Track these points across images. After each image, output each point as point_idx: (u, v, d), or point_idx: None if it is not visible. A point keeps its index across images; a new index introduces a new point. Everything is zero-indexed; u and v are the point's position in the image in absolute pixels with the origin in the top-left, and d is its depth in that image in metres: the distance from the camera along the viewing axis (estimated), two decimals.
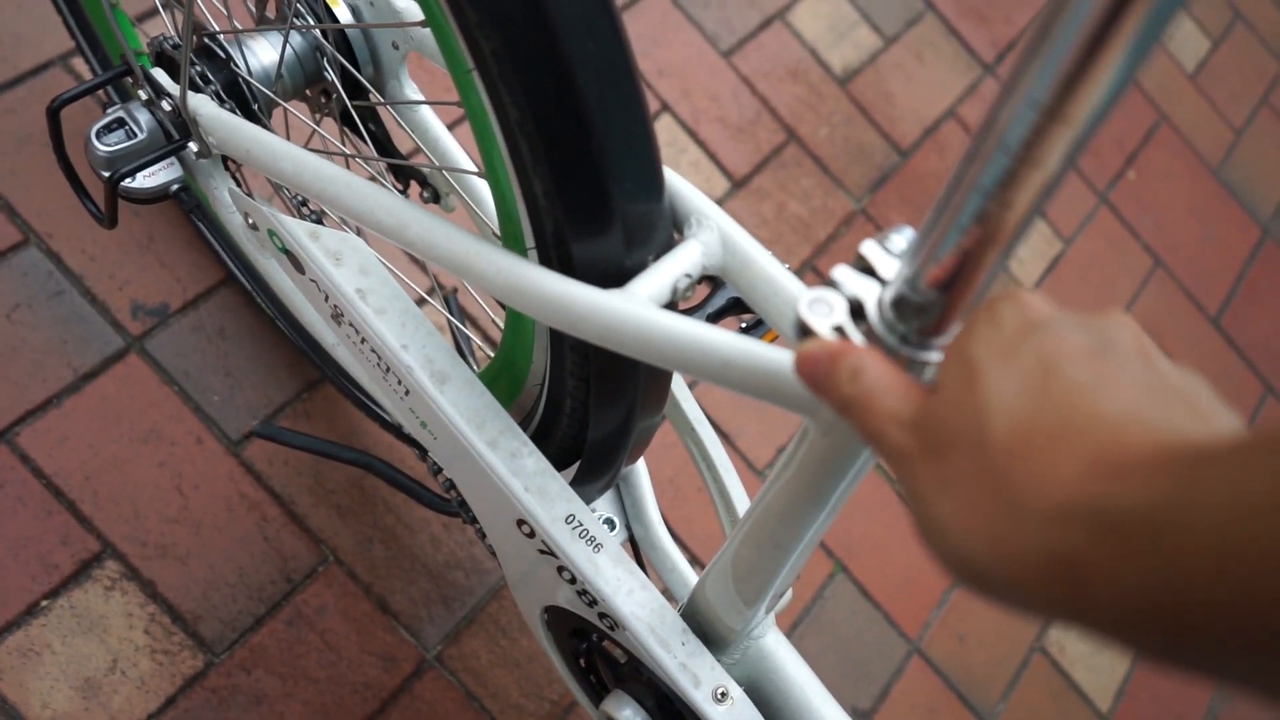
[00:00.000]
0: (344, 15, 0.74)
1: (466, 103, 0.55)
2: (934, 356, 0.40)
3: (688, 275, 0.52)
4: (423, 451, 0.89)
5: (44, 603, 0.94)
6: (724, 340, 0.47)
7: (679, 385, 0.77)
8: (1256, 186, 1.87)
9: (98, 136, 0.71)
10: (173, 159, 0.75)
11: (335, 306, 0.67)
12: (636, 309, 0.49)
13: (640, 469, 0.83)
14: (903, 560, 1.30)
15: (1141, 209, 1.73)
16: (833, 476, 0.49)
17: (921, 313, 0.39)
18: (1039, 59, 0.30)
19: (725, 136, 1.43)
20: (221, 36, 0.72)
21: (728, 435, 1.27)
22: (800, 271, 1.40)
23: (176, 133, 0.72)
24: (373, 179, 0.85)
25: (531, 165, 0.51)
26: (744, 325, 0.57)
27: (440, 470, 0.86)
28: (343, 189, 0.58)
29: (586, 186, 0.50)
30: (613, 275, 0.53)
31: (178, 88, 0.69)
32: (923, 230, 0.37)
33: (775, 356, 0.47)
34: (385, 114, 0.81)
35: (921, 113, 1.60)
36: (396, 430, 0.97)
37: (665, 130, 1.39)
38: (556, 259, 0.54)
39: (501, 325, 0.77)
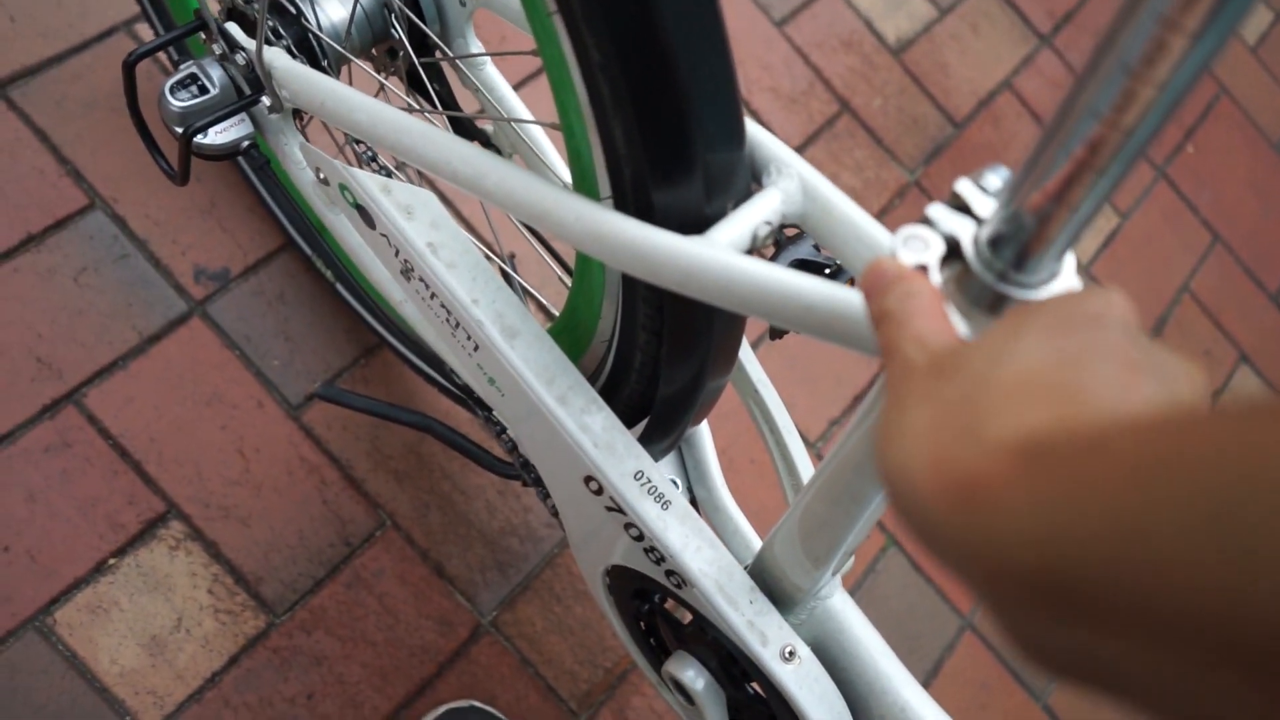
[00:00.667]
0: None
1: (544, 50, 0.55)
2: (1030, 295, 0.39)
3: (768, 223, 0.52)
4: (485, 414, 0.89)
5: (111, 561, 0.96)
6: (808, 285, 0.47)
7: (744, 348, 0.77)
8: None
9: (171, 92, 0.72)
10: (244, 115, 0.75)
11: (406, 261, 0.67)
12: (718, 254, 0.49)
13: (703, 431, 0.82)
14: None
15: (1200, 183, 1.69)
16: None
17: (1020, 249, 0.38)
18: (1106, 59, 0.30)
19: (778, 107, 1.42)
20: None
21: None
22: None
23: (249, 88, 0.72)
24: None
25: (613, 110, 0.50)
26: (827, 273, 0.56)
27: (503, 431, 0.86)
28: (419, 139, 0.58)
29: (669, 132, 0.49)
30: (692, 223, 0.52)
31: (252, 42, 0.70)
32: (1027, 160, 0.36)
33: (858, 302, 0.46)
34: (450, 73, 0.81)
35: (976, 84, 1.58)
36: (455, 394, 0.98)
37: None
38: (635, 208, 0.53)
39: (567, 283, 0.77)
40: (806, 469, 0.78)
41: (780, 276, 0.48)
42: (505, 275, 1.01)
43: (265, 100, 0.72)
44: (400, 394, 1.12)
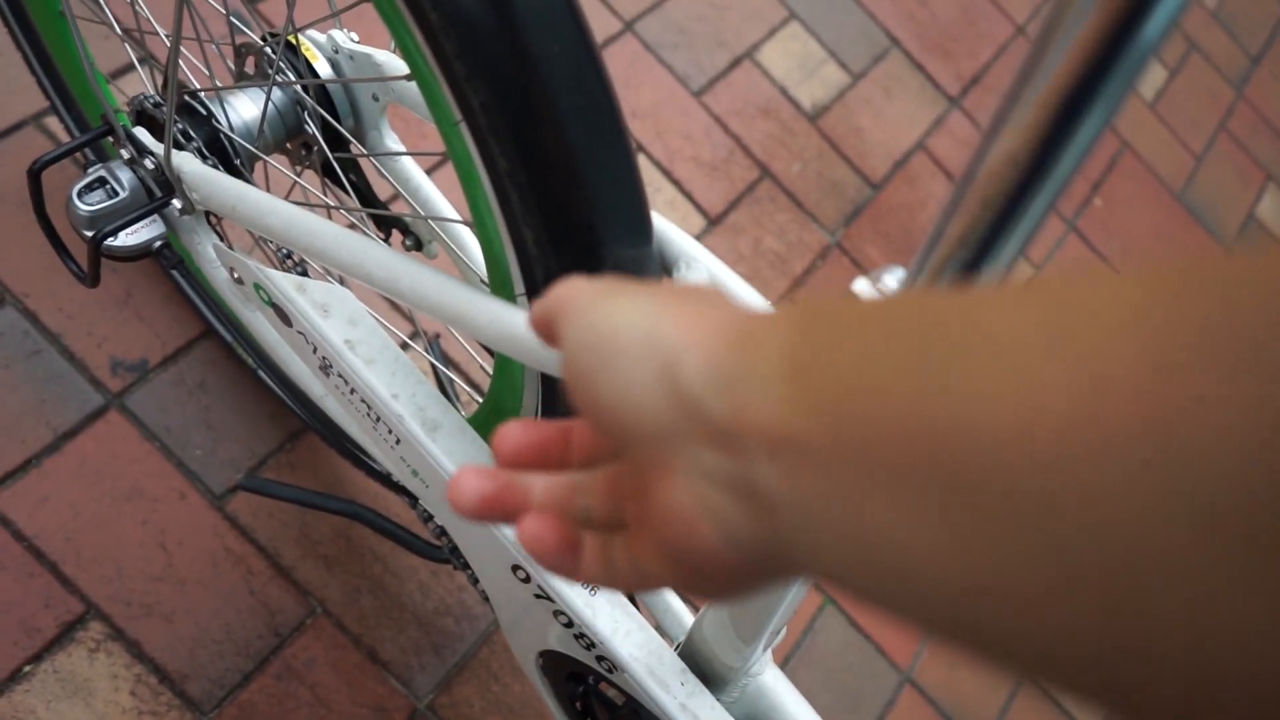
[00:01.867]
0: (324, 69, 0.75)
1: (452, 153, 0.56)
2: None
3: None
4: (412, 499, 0.88)
5: (27, 668, 0.93)
6: None
7: None
8: (1218, 209, 1.91)
9: (79, 196, 0.71)
10: (155, 216, 0.75)
11: (324, 358, 0.67)
12: None
13: None
14: None
15: (1108, 234, 1.76)
16: None
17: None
18: (1012, 119, 0.31)
19: (700, 175, 1.45)
20: (202, 94, 0.72)
21: None
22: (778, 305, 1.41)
23: (159, 190, 0.72)
24: (354, 228, 0.86)
25: (522, 214, 0.51)
26: None
27: (431, 517, 0.86)
28: (331, 242, 0.58)
29: (578, 234, 0.50)
30: None
31: (160, 146, 0.70)
32: (911, 273, 0.38)
33: None
34: (366, 164, 0.82)
35: (891, 146, 1.62)
36: (383, 478, 0.97)
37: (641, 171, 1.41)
38: None
39: (486, 369, 0.77)
40: None
41: None
42: (432, 352, 1.01)
43: (176, 203, 0.71)
44: (328, 477, 1.10)
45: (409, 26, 0.49)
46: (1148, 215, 1.82)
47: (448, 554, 0.86)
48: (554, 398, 0.63)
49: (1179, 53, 2.05)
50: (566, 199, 0.49)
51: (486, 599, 0.81)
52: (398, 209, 0.82)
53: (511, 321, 0.53)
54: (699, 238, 1.40)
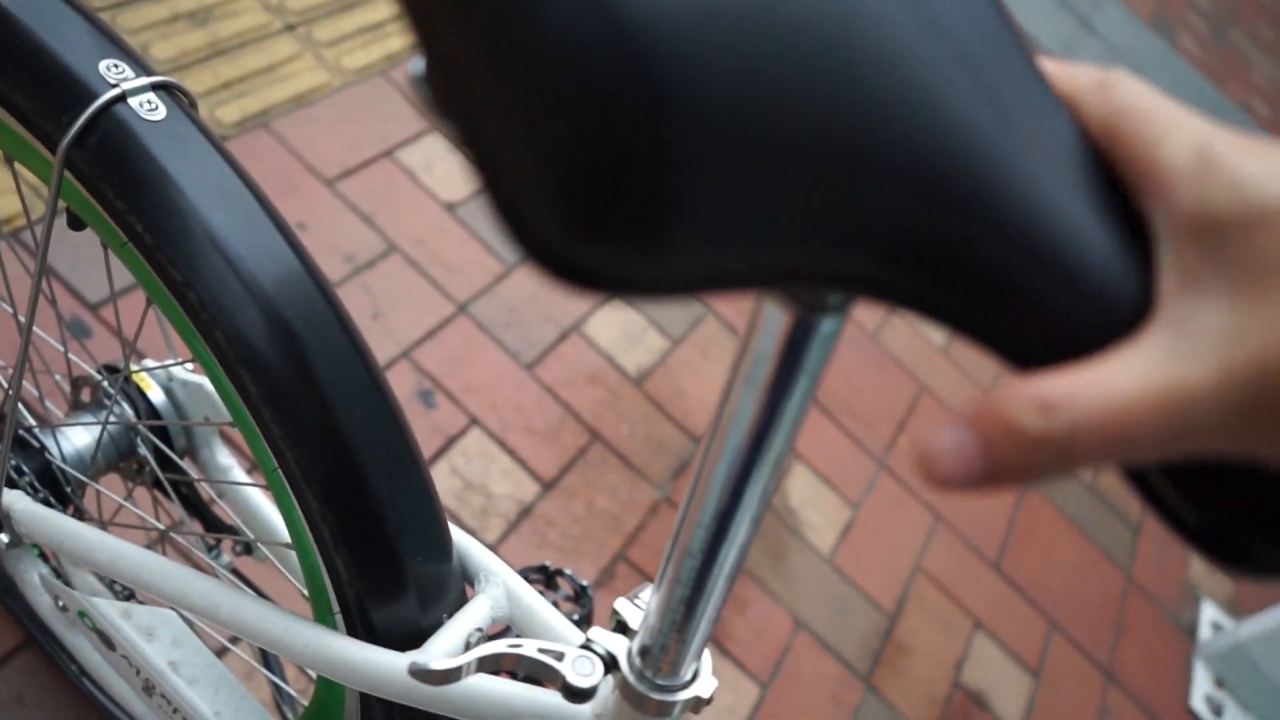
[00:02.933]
0: (158, 397, 0.81)
1: (274, 488, 0.62)
2: (680, 696, 0.47)
3: (479, 629, 0.59)
4: None
5: None
6: (511, 692, 0.54)
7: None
8: None
9: None
10: None
11: (146, 679, 0.70)
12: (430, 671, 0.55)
13: None
14: None
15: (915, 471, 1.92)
16: None
17: (662, 655, 0.47)
18: (694, 502, 0.41)
19: (533, 443, 1.54)
20: (36, 429, 0.77)
21: None
22: (613, 564, 1.48)
23: None
24: (186, 534, 0.89)
25: (333, 546, 0.58)
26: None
27: None
28: (156, 575, 0.63)
29: (382, 563, 0.57)
30: (411, 635, 0.59)
31: None
32: (657, 580, 0.46)
33: (556, 703, 0.53)
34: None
35: (710, 401, 1.76)
36: None
37: (476, 443, 1.49)
38: (360, 623, 0.60)
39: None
40: None
41: (487, 686, 0.54)
42: (265, 656, 1.02)
43: (4, 536, 0.74)
44: None
45: (231, 392, 0.57)
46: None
47: None
48: (370, 704, 0.67)
49: None
50: (371, 534, 0.56)
51: None
52: (230, 529, 0.86)
53: (327, 645, 0.58)
54: (533, 503, 1.48)
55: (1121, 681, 1.89)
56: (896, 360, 2.08)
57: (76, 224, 0.56)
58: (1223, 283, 0.25)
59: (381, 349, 1.51)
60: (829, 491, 1.78)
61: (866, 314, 2.12)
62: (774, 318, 0.32)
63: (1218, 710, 1.96)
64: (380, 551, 0.57)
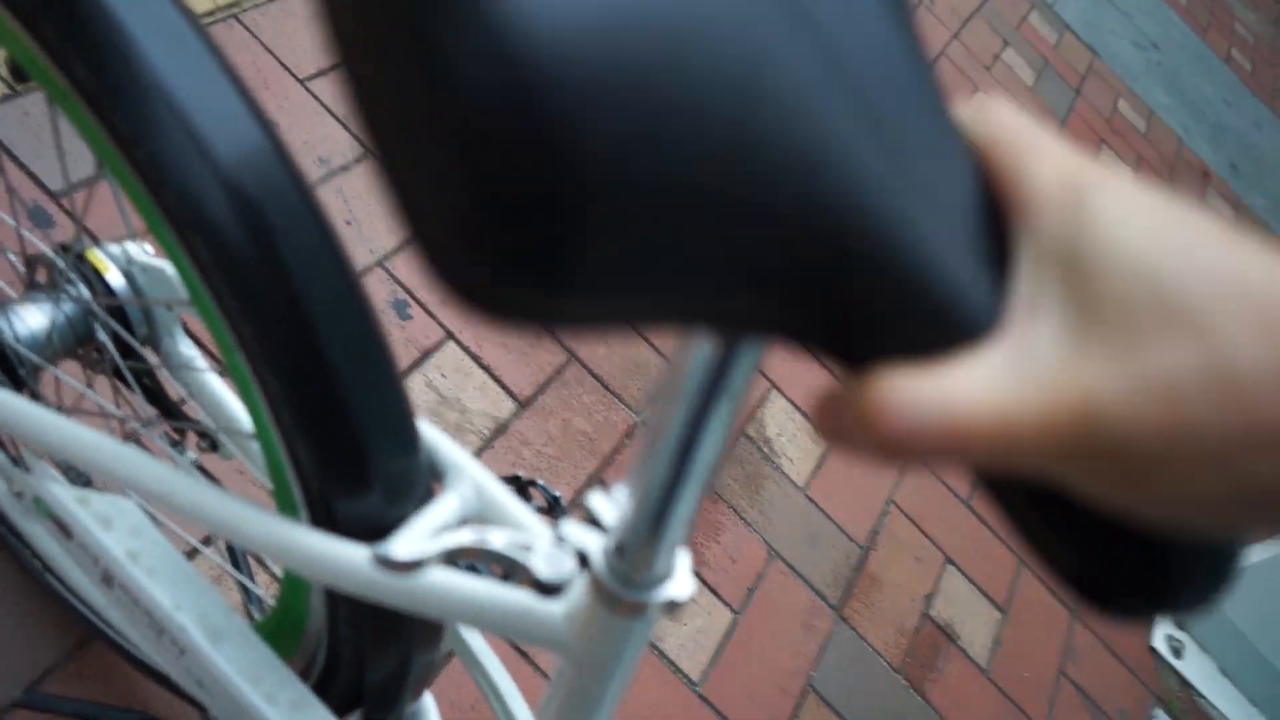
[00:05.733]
0: (117, 280, 0.77)
1: (234, 372, 0.59)
2: (654, 597, 0.45)
3: (445, 525, 0.57)
4: (203, 709, 0.86)
5: None
6: (477, 588, 0.52)
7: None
8: None
9: None
10: None
11: (105, 570, 0.67)
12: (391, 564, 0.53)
13: (428, 704, 0.83)
14: None
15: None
16: (592, 705, 0.54)
17: (637, 552, 0.45)
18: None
19: (509, 359, 1.51)
20: None
21: (525, 652, 1.28)
22: (587, 485, 1.46)
23: None
24: (147, 425, 0.86)
25: (295, 433, 0.55)
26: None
27: None
28: (111, 459, 0.60)
29: (345, 450, 0.54)
30: (376, 530, 0.56)
31: None
32: (630, 474, 0.43)
33: (525, 600, 0.51)
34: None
35: None
36: (176, 687, 0.94)
37: (451, 357, 1.46)
38: (324, 516, 0.57)
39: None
40: None
41: (451, 581, 0.52)
42: (233, 557, 1.00)
43: None
44: (120, 686, 1.05)
45: (186, 262, 0.53)
46: None
47: None
48: (336, 602, 0.65)
49: None
50: (333, 420, 0.53)
51: None
52: (192, 419, 0.83)
53: (288, 534, 0.56)
54: (509, 421, 1.45)
55: (1086, 620, 1.91)
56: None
57: (19, 74, 0.52)
58: (1064, 315, 0.26)
59: (355, 257, 1.47)
60: (805, 422, 1.76)
61: None
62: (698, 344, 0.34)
63: (1177, 651, 1.98)
64: (344, 439, 0.54)
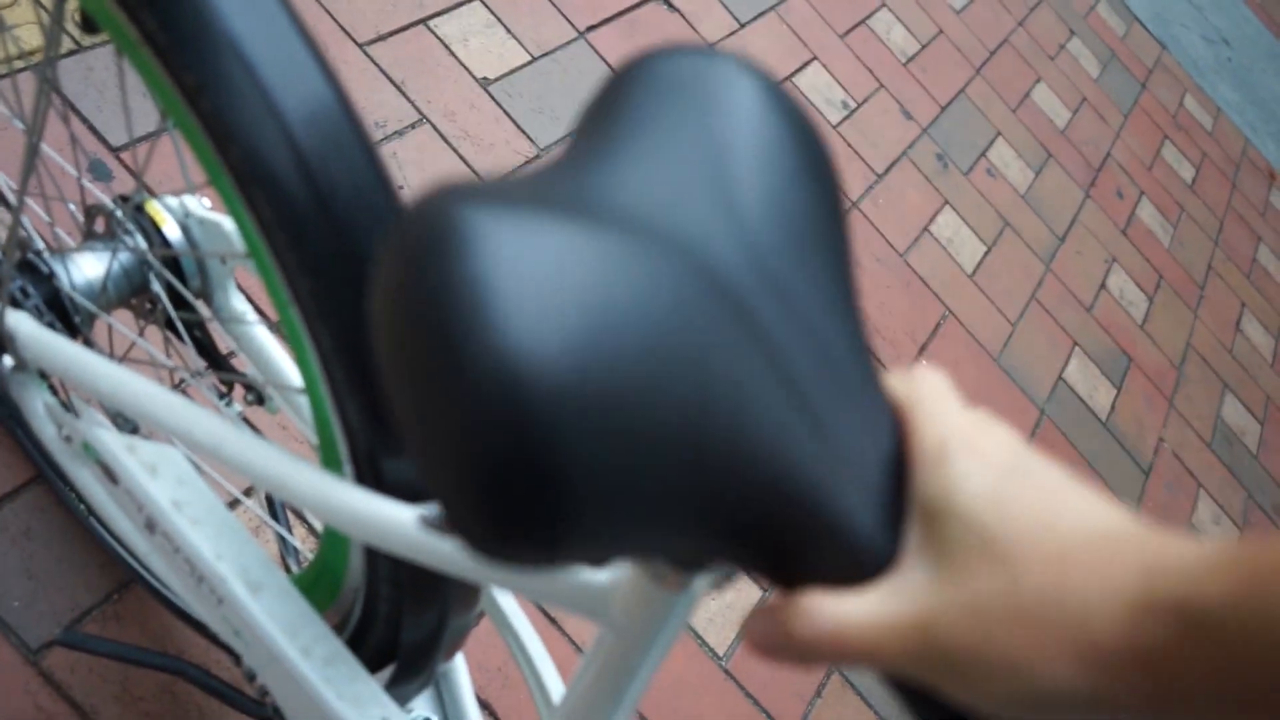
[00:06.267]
0: (173, 233, 0.78)
1: (286, 326, 0.59)
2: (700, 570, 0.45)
3: None
4: (238, 657, 0.88)
5: None
6: None
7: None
8: (1031, 371, 2.08)
9: None
10: None
11: (149, 517, 0.68)
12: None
13: (459, 665, 0.84)
14: None
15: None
16: (628, 675, 0.54)
17: None
18: None
19: None
20: (46, 253, 0.74)
21: (554, 618, 1.29)
22: None
23: None
24: (197, 377, 0.87)
25: (345, 389, 0.55)
26: None
27: (255, 676, 0.85)
28: (161, 408, 0.60)
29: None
30: (420, 492, 0.57)
31: None
32: None
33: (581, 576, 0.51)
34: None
35: None
36: (211, 634, 0.95)
37: None
38: (370, 476, 0.57)
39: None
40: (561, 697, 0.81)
41: None
42: (272, 509, 1.01)
43: (8, 359, 0.72)
44: (156, 631, 1.07)
45: (246, 216, 0.54)
46: (969, 376, 1.97)
47: (271, 713, 0.86)
48: (376, 560, 0.65)
49: (995, 230, 2.26)
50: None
51: None
52: (240, 372, 0.84)
53: (334, 491, 0.56)
54: None
55: None
56: (923, 281, 2.03)
57: (90, 25, 0.53)
58: (927, 555, 0.34)
59: None
60: None
61: (897, 230, 2.06)
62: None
63: None
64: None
